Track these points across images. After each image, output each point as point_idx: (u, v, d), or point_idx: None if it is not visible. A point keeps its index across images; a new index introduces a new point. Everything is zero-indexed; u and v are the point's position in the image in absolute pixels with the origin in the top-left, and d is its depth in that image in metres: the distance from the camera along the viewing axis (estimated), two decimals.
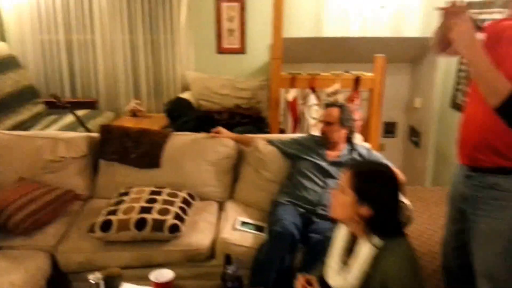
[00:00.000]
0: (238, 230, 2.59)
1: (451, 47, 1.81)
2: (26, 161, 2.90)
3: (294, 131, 3.91)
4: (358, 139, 3.06)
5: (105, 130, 3.01)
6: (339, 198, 1.70)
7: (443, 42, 1.84)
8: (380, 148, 5.05)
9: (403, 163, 5.50)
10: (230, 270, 1.93)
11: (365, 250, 1.64)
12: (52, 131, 3.37)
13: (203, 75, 4.64)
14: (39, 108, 4.59)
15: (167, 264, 2.43)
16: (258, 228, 2.62)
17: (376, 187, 1.64)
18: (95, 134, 3.08)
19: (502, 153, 1.72)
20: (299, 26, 4.54)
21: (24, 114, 4.35)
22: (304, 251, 2.46)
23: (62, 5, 4.65)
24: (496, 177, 1.75)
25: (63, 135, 3.04)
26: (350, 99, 3.72)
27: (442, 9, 1.68)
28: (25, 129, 3.96)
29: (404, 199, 2.48)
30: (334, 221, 2.50)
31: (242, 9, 4.54)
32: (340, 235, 1.83)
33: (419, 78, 5.12)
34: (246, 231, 2.58)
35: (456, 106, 4.27)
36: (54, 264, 2.49)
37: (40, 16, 4.67)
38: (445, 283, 2.19)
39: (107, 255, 2.47)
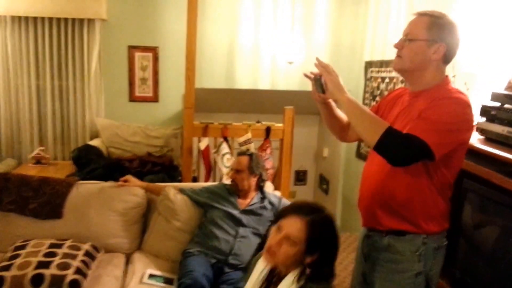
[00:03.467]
0: (146, 284, 2.48)
1: (351, 131, 1.96)
2: None
3: (207, 180, 3.91)
4: (269, 187, 3.12)
5: (2, 178, 2.80)
6: (284, 249, 1.54)
7: (337, 125, 2.00)
8: (291, 196, 5.20)
9: None
10: None
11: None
12: None
13: (114, 122, 4.53)
14: None
15: None
16: (167, 281, 2.54)
17: (329, 235, 1.58)
18: None
19: (398, 213, 1.76)
20: (212, 77, 4.64)
21: None
22: None
23: None
24: (391, 238, 1.79)
25: None
26: (262, 149, 3.82)
27: (314, 73, 1.83)
28: None
29: None
30: (245, 271, 2.51)
31: (155, 58, 4.56)
32: (258, 271, 1.69)
33: (327, 129, 5.39)
34: (154, 285, 2.48)
35: (361, 155, 4.53)
36: None
37: None
38: None
39: None
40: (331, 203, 5.25)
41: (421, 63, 1.71)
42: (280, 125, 3.86)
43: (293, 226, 1.54)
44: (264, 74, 4.72)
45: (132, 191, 2.90)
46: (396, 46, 1.75)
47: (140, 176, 3.68)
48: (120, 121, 4.56)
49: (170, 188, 2.91)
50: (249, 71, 4.70)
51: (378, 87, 4.20)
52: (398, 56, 1.75)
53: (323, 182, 5.64)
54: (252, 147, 3.75)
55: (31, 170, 4.10)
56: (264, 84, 4.77)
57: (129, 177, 2.98)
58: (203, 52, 4.50)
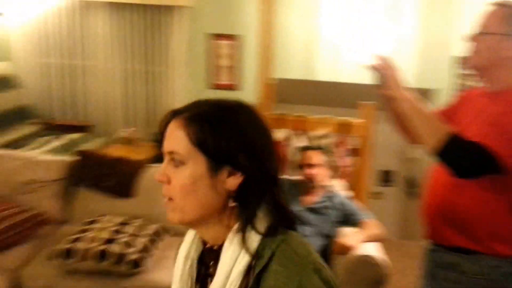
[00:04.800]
0: None
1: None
2: (0, 181, 2.88)
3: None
4: (338, 186, 3.01)
5: (83, 155, 3.00)
6: (176, 180, 0.92)
7: (402, 125, 1.80)
8: (375, 197, 4.97)
9: (405, 215, 5.36)
10: None
11: (232, 263, 0.90)
12: (30, 152, 3.36)
13: None
14: (33, 128, 4.61)
15: None
16: None
17: (233, 133, 0.92)
18: (73, 159, 3.06)
19: (464, 230, 1.59)
20: (293, 67, 4.57)
21: (15, 133, 4.36)
22: None
23: (68, 31, 4.74)
24: (456, 255, 1.62)
25: (40, 157, 3.04)
26: (339, 144, 3.69)
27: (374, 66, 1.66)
28: (15, 148, 3.97)
29: (381, 253, 2.39)
30: None
31: (237, 47, 4.59)
32: (183, 254, 1.02)
33: None
34: None
35: None
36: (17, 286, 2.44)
37: (41, 40, 4.76)
38: None
39: (68, 283, 2.42)
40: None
41: (496, 59, 1.51)
42: (360, 120, 3.69)
43: (172, 134, 0.95)
44: (346, 66, 4.55)
45: None
46: (468, 39, 1.57)
47: None
48: None
49: None
50: (330, 63, 4.56)
51: (467, 85, 3.87)
52: (472, 51, 1.57)
53: (413, 185, 5.34)
54: (328, 142, 3.64)
55: (119, 150, 4.35)
56: (346, 77, 4.60)
57: None
58: (285, 41, 4.44)
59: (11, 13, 4.69)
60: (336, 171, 3.30)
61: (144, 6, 4.55)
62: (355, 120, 3.72)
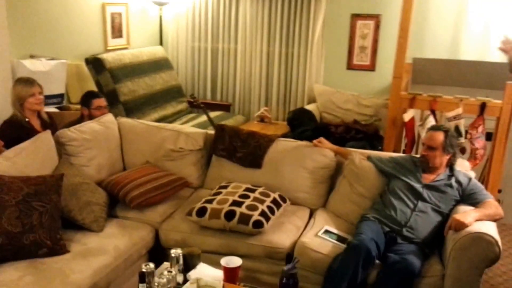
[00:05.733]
0: (320, 237, 2.67)
1: None
2: (152, 148, 3.36)
3: (409, 152, 3.81)
4: (464, 166, 2.90)
5: (219, 129, 3.34)
6: None
7: None
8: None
9: None
10: (286, 267, 2.05)
11: None
12: (177, 125, 3.82)
13: (330, 89, 4.77)
14: (182, 106, 5.20)
15: (249, 256, 2.64)
16: (340, 239, 2.67)
17: None
18: (211, 132, 3.43)
19: None
20: (434, 47, 4.40)
21: (169, 109, 4.98)
22: (380, 269, 2.45)
23: (213, 18, 5.21)
24: None
25: (185, 130, 3.45)
26: (473, 126, 3.51)
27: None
28: (169, 122, 4.54)
29: (495, 233, 2.31)
30: (421, 246, 2.47)
31: (377, 27, 4.57)
32: None
33: None
34: (327, 240, 2.66)
35: None
36: (157, 238, 2.88)
37: (193, 26, 5.30)
38: None
39: (200, 238, 2.76)
40: None
41: None
42: (499, 101, 3.46)
43: None
44: (495, 45, 4.23)
45: (323, 152, 3.09)
46: None
47: (343, 141, 3.86)
48: (336, 88, 4.77)
49: (357, 154, 2.99)
50: (477, 42, 4.29)
51: None
52: None
53: None
54: (462, 124, 3.48)
55: (254, 127, 4.69)
56: (494, 56, 4.29)
57: (321, 139, 3.17)
58: (427, 20, 4.29)
59: (168, 2, 5.29)
60: (464, 153, 3.17)
61: None
62: (492, 101, 3.50)
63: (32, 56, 3.85)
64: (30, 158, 2.70)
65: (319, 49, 4.82)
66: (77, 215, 2.64)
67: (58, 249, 2.41)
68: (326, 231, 2.73)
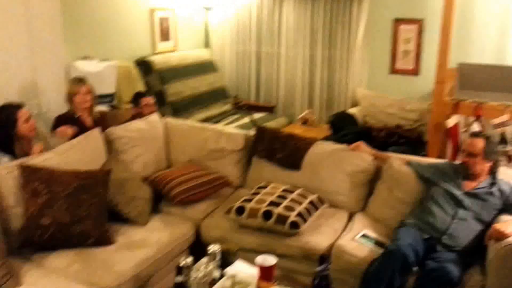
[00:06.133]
0: (357, 241, 2.69)
1: None
2: (195, 147, 3.47)
3: (453, 159, 3.75)
4: (508, 174, 2.83)
5: (260, 131, 3.41)
6: None
7: None
8: None
9: None
10: (318, 269, 2.09)
11: None
12: (219, 126, 3.93)
13: (373, 93, 4.74)
14: (227, 107, 5.32)
15: (285, 256, 2.69)
16: (378, 244, 2.67)
17: None
18: (252, 133, 3.50)
19: None
20: (481, 52, 4.30)
21: (213, 110, 5.11)
22: (418, 276, 2.44)
23: (257, 22, 5.31)
24: None
25: (226, 130, 3.55)
26: None
27: None
28: (213, 122, 4.65)
29: None
30: (461, 254, 2.43)
31: (420, 31, 4.52)
32: None
33: None
34: (363, 244, 2.67)
35: None
36: (198, 234, 2.97)
37: (238, 30, 5.41)
38: None
39: (238, 236, 2.83)
40: None
41: None
42: None
43: None
44: None
45: (361, 156, 3.10)
46: None
47: (385, 146, 3.84)
48: (379, 92, 4.74)
49: (396, 159, 2.98)
50: None
51: None
52: None
53: None
54: (508, 131, 3.39)
55: (297, 129, 4.73)
56: None
57: (359, 143, 3.17)
58: (472, 25, 4.20)
59: (215, 7, 5.43)
60: (511, 161, 3.09)
61: None
62: None
63: (85, 58, 4.06)
64: (81, 153, 2.87)
65: (361, 53, 4.81)
66: (123, 209, 2.78)
67: (104, 240, 2.55)
68: (364, 235, 2.74)
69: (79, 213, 2.51)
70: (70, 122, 3.27)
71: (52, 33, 3.54)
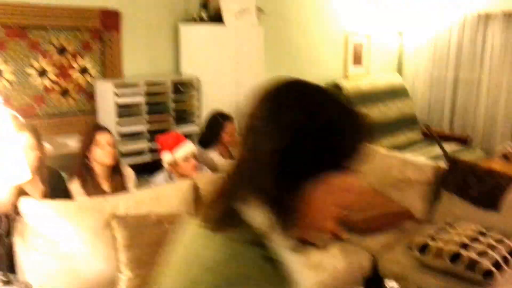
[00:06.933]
0: None
1: None
2: (379, 175, 3.35)
3: None
4: None
5: (452, 162, 3.13)
6: None
7: None
8: None
9: None
10: None
11: None
12: (406, 154, 3.72)
13: None
14: (415, 135, 5.05)
15: None
16: None
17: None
18: (442, 165, 3.23)
19: None
20: None
21: (400, 138, 4.90)
22: None
23: (457, 46, 4.93)
24: None
25: (412, 159, 3.35)
26: None
27: None
28: (400, 150, 4.46)
29: None
30: None
31: None
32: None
33: None
34: None
35: None
36: (374, 265, 2.85)
37: (435, 54, 5.11)
38: None
39: (419, 276, 2.62)
40: None
41: None
42: None
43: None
44: None
45: None
46: None
47: None
48: None
49: None
50: None
51: None
52: None
53: None
54: None
55: (495, 164, 4.22)
56: None
57: None
58: None
59: (408, 31, 5.26)
60: None
61: None
62: None
63: None
64: None
65: None
66: None
67: None
68: None
69: None
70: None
71: (255, 56, 4.00)
